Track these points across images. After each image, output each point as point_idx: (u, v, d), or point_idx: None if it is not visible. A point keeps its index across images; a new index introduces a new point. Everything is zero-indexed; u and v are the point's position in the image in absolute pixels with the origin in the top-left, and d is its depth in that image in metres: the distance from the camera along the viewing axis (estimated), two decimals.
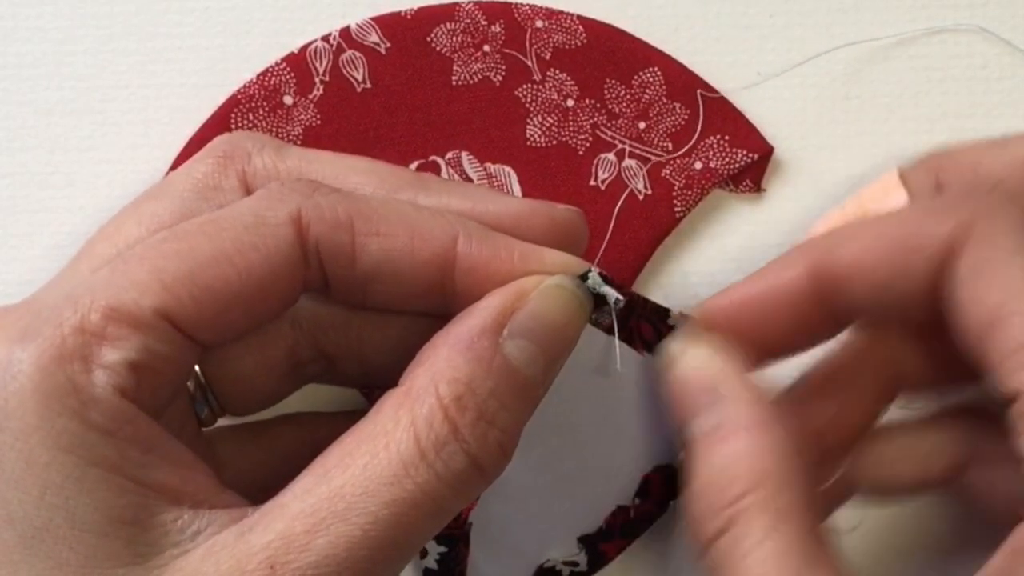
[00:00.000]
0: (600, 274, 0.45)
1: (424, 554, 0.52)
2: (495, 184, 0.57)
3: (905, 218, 0.45)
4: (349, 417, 0.45)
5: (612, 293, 0.46)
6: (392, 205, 0.45)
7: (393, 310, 0.46)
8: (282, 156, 0.48)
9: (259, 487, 0.44)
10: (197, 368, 0.47)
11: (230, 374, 0.47)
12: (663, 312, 0.49)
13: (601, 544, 0.54)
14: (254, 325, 0.45)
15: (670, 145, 0.58)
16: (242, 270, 0.42)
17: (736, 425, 0.44)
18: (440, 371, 0.41)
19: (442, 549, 0.52)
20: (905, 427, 0.51)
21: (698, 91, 0.58)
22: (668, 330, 0.49)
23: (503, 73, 0.58)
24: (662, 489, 0.53)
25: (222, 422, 0.49)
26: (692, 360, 0.47)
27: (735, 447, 0.44)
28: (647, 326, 0.49)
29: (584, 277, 0.45)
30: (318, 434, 0.49)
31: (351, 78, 0.57)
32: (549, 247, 0.46)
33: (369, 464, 0.40)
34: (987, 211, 0.43)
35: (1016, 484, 0.46)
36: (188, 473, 0.41)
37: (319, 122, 0.57)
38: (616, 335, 0.47)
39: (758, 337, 0.47)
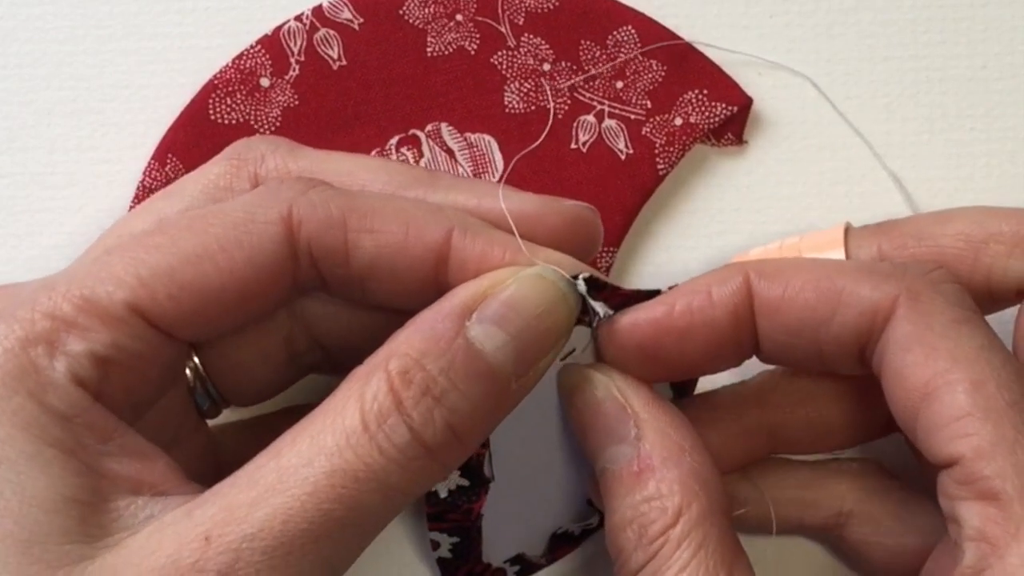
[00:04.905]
0: (588, 278, 0.42)
1: (436, 546, 0.50)
2: (476, 153, 0.54)
3: (846, 271, 0.43)
4: None
5: (598, 308, 0.43)
6: (388, 201, 0.42)
7: (392, 307, 0.43)
8: (295, 157, 0.46)
9: None
10: (196, 360, 0.44)
11: (228, 364, 0.45)
12: (655, 294, 0.45)
13: None
14: (240, 323, 0.42)
15: (649, 103, 0.54)
16: (224, 268, 0.40)
17: (654, 457, 0.42)
18: (395, 348, 0.39)
19: (455, 539, 0.49)
20: (794, 470, 0.50)
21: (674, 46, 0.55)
22: None
23: (477, 41, 0.55)
24: None
25: (227, 414, 0.47)
26: (599, 388, 0.43)
27: (656, 480, 0.41)
28: None
29: (574, 280, 0.42)
30: None
31: (326, 56, 0.54)
32: (560, 244, 0.43)
33: (316, 437, 0.37)
34: (924, 285, 0.42)
35: (890, 547, 0.48)
36: (147, 464, 0.39)
37: (297, 102, 0.54)
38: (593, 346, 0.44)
39: (673, 352, 0.43)
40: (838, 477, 0.50)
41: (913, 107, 0.56)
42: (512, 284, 0.40)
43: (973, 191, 0.56)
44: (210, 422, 0.47)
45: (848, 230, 0.50)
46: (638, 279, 0.55)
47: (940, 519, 0.45)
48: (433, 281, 0.42)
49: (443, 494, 0.47)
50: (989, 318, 0.43)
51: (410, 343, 0.39)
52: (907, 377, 0.40)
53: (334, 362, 0.47)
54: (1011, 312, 0.47)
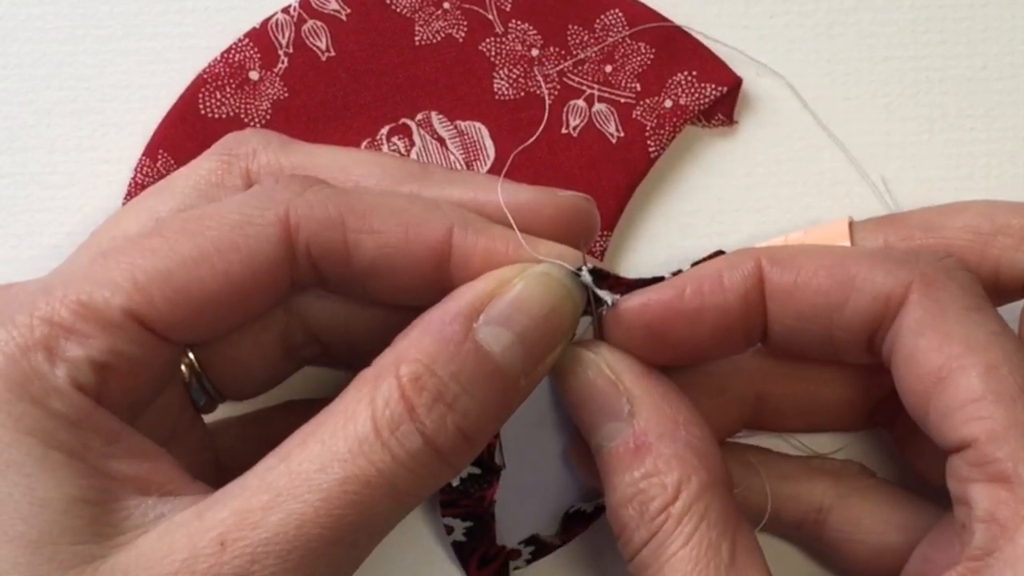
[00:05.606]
0: (593, 269, 0.42)
1: (450, 531, 0.50)
2: (466, 141, 0.54)
3: (859, 257, 0.43)
4: None
5: (604, 295, 0.42)
6: (386, 199, 0.42)
7: (392, 303, 0.43)
8: (287, 152, 0.45)
9: None
10: (191, 355, 0.44)
11: (224, 360, 0.45)
12: (659, 281, 0.45)
13: None
14: (235, 325, 0.42)
15: (638, 86, 0.54)
16: (220, 272, 0.39)
17: (649, 433, 0.42)
18: (404, 351, 0.39)
19: (468, 524, 0.50)
20: (774, 463, 0.50)
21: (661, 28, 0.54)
22: None
23: (465, 29, 0.54)
24: None
25: (224, 408, 0.47)
26: (590, 366, 0.43)
27: (653, 456, 0.41)
28: None
29: (578, 272, 0.42)
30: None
31: (315, 48, 0.54)
32: (557, 235, 0.43)
33: (327, 442, 0.37)
34: (938, 271, 0.41)
35: (870, 546, 0.47)
36: (154, 465, 0.39)
37: (287, 95, 0.53)
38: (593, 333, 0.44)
39: (682, 335, 0.43)
40: (819, 474, 0.50)
41: (913, 107, 0.56)
42: (518, 283, 0.40)
43: (973, 191, 0.55)
44: (206, 417, 0.47)
45: (852, 224, 0.50)
46: (632, 262, 0.54)
47: (921, 517, 0.46)
48: (435, 278, 0.41)
49: (455, 482, 0.48)
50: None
51: (420, 347, 0.38)
52: (920, 362, 0.40)
53: (331, 355, 0.46)
54: (1017, 306, 0.47)
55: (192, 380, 0.44)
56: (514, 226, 0.42)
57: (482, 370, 0.39)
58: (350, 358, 0.45)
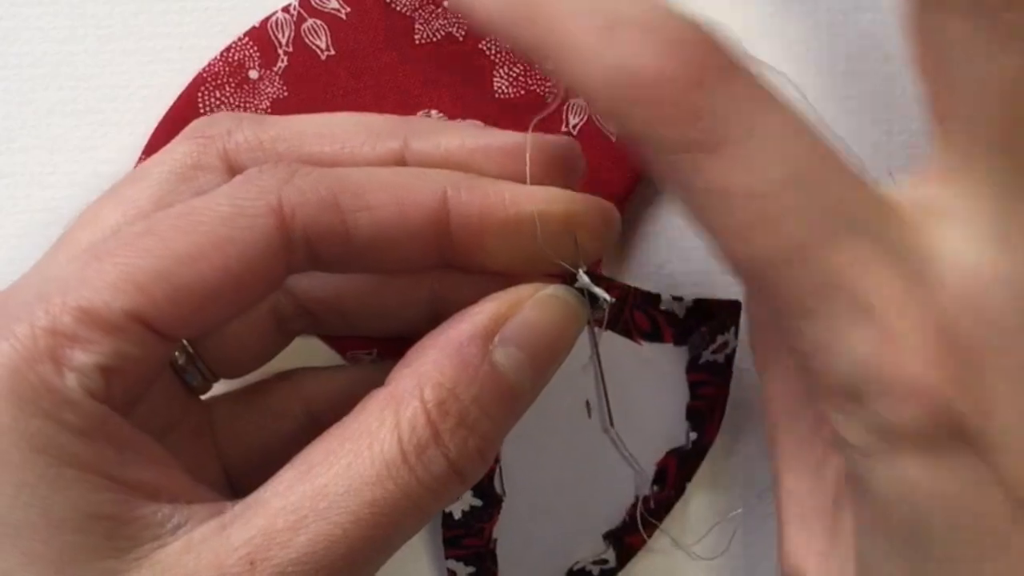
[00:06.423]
0: (588, 273, 0.42)
1: None
2: None
3: None
4: (335, 371, 0.48)
5: (601, 294, 0.43)
6: (375, 175, 0.42)
7: (391, 272, 0.44)
8: (263, 127, 0.45)
9: (256, 450, 0.45)
10: (185, 341, 0.45)
11: (216, 340, 0.45)
12: (654, 299, 0.47)
13: (626, 537, 0.52)
14: (234, 315, 0.42)
15: None
16: (218, 266, 0.39)
17: None
18: (426, 374, 0.39)
19: (471, 570, 0.50)
20: None
21: None
22: (661, 316, 0.47)
23: (466, 27, 0.54)
24: (677, 473, 0.51)
25: (218, 387, 0.47)
26: None
27: None
28: (640, 315, 0.47)
29: (573, 279, 0.42)
30: (306, 389, 0.48)
31: (314, 47, 0.53)
32: (544, 178, 0.43)
33: (353, 463, 0.38)
34: None
35: None
36: (163, 470, 0.39)
37: (286, 94, 0.53)
38: (599, 333, 0.45)
39: None
40: None
41: (913, 107, 0.55)
42: (530, 305, 0.41)
43: None
44: (202, 397, 0.47)
45: None
46: (632, 261, 0.54)
47: None
48: (435, 242, 0.42)
49: (457, 515, 0.48)
50: None
51: (442, 371, 0.39)
52: None
53: (322, 325, 0.47)
54: None
55: (186, 364, 0.45)
56: (528, 176, 0.43)
57: (498, 392, 0.39)
58: (342, 327, 0.46)
